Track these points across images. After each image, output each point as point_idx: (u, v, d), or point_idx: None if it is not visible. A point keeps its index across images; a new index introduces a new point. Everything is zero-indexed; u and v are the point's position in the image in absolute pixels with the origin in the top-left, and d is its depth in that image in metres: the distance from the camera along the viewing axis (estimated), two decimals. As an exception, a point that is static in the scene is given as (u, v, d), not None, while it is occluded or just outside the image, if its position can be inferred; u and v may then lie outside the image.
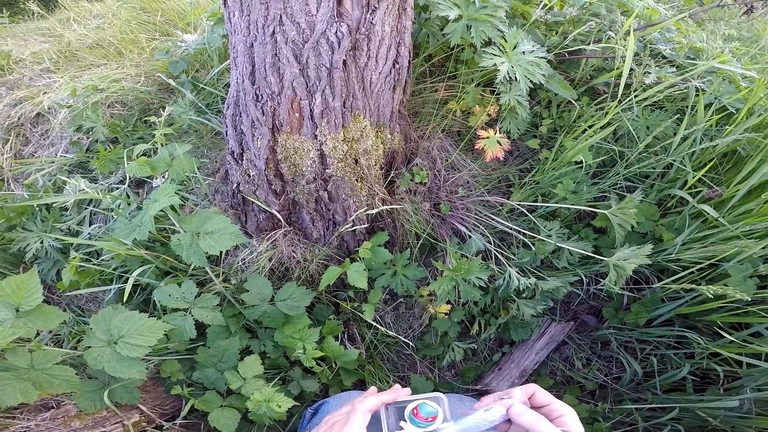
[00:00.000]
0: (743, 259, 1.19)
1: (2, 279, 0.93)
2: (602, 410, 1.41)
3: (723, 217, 1.23)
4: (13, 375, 0.90)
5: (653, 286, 1.36)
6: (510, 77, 1.16)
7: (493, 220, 1.39)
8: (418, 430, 0.63)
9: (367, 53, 1.01)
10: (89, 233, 1.39)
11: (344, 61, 0.98)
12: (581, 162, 1.30)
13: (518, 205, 1.38)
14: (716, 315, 1.26)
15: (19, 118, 1.71)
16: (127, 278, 1.14)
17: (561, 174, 1.35)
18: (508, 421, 0.59)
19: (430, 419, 0.64)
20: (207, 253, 1.07)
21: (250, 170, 1.20)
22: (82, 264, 1.23)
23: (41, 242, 1.40)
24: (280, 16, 0.89)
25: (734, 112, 1.28)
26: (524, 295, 1.40)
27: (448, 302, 1.43)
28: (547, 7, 1.41)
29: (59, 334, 1.39)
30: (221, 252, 1.25)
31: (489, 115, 1.37)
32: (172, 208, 1.13)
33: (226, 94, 1.47)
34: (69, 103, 1.65)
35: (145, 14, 2.01)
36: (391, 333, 1.41)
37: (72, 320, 1.41)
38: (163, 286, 1.15)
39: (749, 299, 1.06)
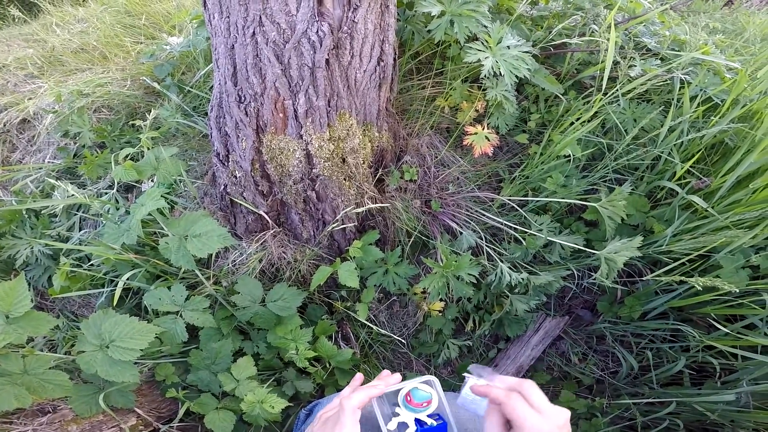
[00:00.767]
0: (734, 249, 1.20)
1: (-7, 287, 0.93)
2: (600, 405, 1.41)
3: (712, 208, 1.23)
4: (6, 380, 0.91)
5: (645, 278, 1.36)
6: (495, 72, 1.16)
7: (484, 215, 1.39)
8: (414, 415, 0.63)
9: (350, 52, 1.00)
10: (79, 239, 1.39)
11: (327, 60, 0.98)
12: (570, 156, 1.30)
13: (509, 200, 1.38)
14: (710, 307, 1.26)
15: (4, 125, 1.70)
16: (118, 283, 1.14)
17: (550, 168, 1.35)
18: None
19: (425, 404, 0.64)
20: (196, 255, 1.07)
21: (237, 172, 1.20)
22: (72, 269, 1.23)
23: (31, 249, 1.39)
24: (260, 17, 0.89)
25: (720, 103, 1.28)
26: (517, 291, 1.40)
27: (442, 299, 1.43)
28: (531, 2, 1.41)
29: (53, 340, 1.39)
30: (211, 254, 1.25)
31: (477, 111, 1.37)
32: (160, 211, 1.13)
33: (212, 96, 1.46)
34: (55, 109, 1.64)
35: (129, 18, 2.00)
36: (385, 332, 1.41)
37: (65, 325, 1.41)
38: (153, 290, 1.15)
39: (737, 291, 1.06)
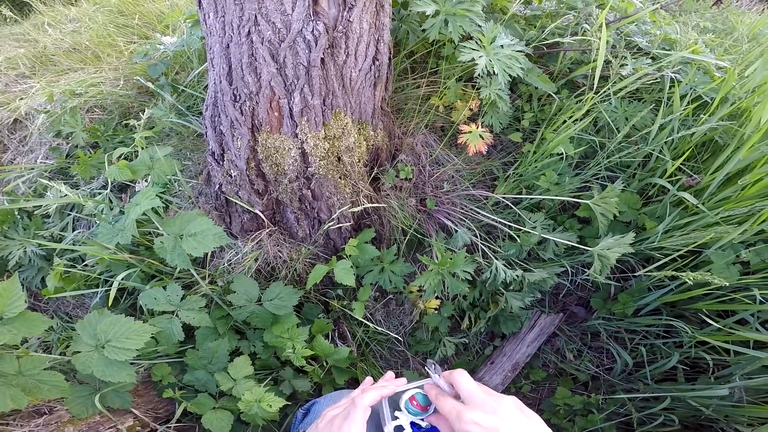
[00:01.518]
0: (724, 244, 1.22)
1: (-15, 288, 0.92)
2: (596, 402, 1.42)
3: (703, 204, 1.25)
4: (1, 381, 0.90)
5: (637, 273, 1.38)
6: (489, 71, 1.17)
7: (479, 213, 1.40)
8: (411, 418, 0.65)
9: (345, 51, 1.01)
10: (72, 239, 1.38)
11: (322, 60, 0.98)
12: (563, 154, 1.32)
13: (503, 198, 1.40)
14: (702, 303, 1.28)
15: (-4, 125, 1.68)
16: (113, 283, 1.13)
17: (543, 166, 1.36)
18: None
19: (427, 408, 0.66)
20: (191, 255, 1.06)
21: (232, 171, 1.20)
22: (66, 270, 1.22)
23: (24, 250, 1.38)
24: (255, 17, 0.89)
25: (709, 101, 1.30)
26: (512, 288, 1.41)
27: (438, 297, 1.44)
28: (525, 1, 1.42)
29: (48, 341, 1.38)
30: (207, 254, 1.25)
31: (471, 109, 1.38)
32: (155, 211, 1.13)
33: (206, 95, 1.46)
34: (47, 109, 1.63)
35: (122, 17, 1.99)
36: (381, 329, 1.42)
37: (60, 326, 1.40)
38: (148, 290, 1.14)
39: (728, 284, 1.07)
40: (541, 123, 1.48)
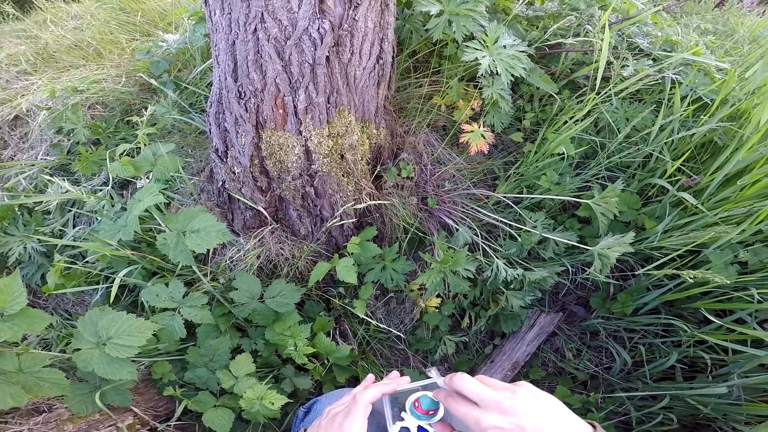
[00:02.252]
0: (723, 244, 1.23)
1: (-15, 284, 0.92)
2: (595, 400, 1.43)
3: (702, 204, 1.26)
4: (1, 379, 0.90)
5: (637, 273, 1.39)
6: (491, 71, 1.18)
7: (480, 212, 1.40)
8: (418, 422, 0.63)
9: (350, 49, 1.01)
10: (73, 236, 1.37)
11: (327, 58, 0.98)
12: (563, 154, 1.33)
13: (504, 197, 1.40)
14: (701, 302, 1.29)
15: (-4, 122, 1.67)
16: (114, 280, 1.13)
17: (544, 166, 1.37)
18: None
19: (431, 412, 0.63)
20: (194, 251, 1.06)
21: (235, 167, 1.20)
22: (67, 266, 1.22)
23: (24, 246, 1.38)
24: (262, 14, 0.89)
25: (709, 102, 1.31)
26: (512, 287, 1.42)
27: (438, 296, 1.44)
28: (528, 2, 1.43)
29: (47, 338, 1.37)
30: (208, 251, 1.25)
31: (473, 109, 1.39)
32: (157, 207, 1.12)
33: (209, 92, 1.46)
34: (48, 105, 1.62)
35: (124, 14, 1.98)
36: (383, 326, 1.42)
37: (59, 324, 1.40)
38: (150, 287, 1.14)
39: (728, 282, 1.08)
40: (542, 123, 1.49)
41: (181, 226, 1.09)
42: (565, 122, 1.33)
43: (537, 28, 1.46)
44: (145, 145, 1.28)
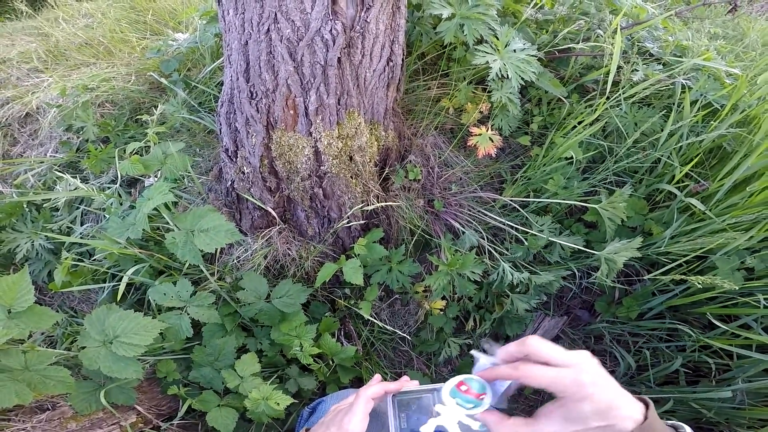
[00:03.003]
0: (730, 251, 1.22)
1: (-7, 280, 0.92)
2: (598, 403, 1.42)
3: (710, 210, 1.26)
4: (7, 376, 0.89)
5: (643, 278, 1.38)
6: (502, 75, 1.18)
7: (486, 215, 1.40)
8: (465, 412, 0.53)
9: (361, 51, 1.02)
10: (81, 233, 1.38)
11: (339, 59, 0.99)
12: (571, 158, 1.32)
13: (510, 200, 1.40)
14: (706, 307, 1.29)
15: (6, 118, 1.68)
16: (121, 278, 1.13)
17: (552, 170, 1.37)
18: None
19: (481, 396, 0.55)
20: (203, 250, 1.07)
21: (245, 167, 1.20)
22: (74, 263, 1.22)
23: (32, 243, 1.38)
24: (275, 14, 0.90)
25: (719, 108, 1.31)
26: (518, 290, 1.42)
27: (443, 298, 1.44)
28: (538, 6, 1.43)
29: (52, 335, 1.37)
30: (216, 250, 1.25)
31: (481, 112, 1.39)
32: (166, 206, 1.13)
33: (219, 92, 1.46)
34: (58, 103, 1.63)
35: (135, 13, 2.00)
36: (388, 327, 1.42)
37: (65, 321, 1.40)
38: (157, 285, 1.14)
39: (736, 288, 1.08)
40: (550, 127, 1.49)
41: (190, 226, 1.09)
42: (574, 126, 1.33)
43: (547, 32, 1.46)
44: (154, 143, 1.29)
